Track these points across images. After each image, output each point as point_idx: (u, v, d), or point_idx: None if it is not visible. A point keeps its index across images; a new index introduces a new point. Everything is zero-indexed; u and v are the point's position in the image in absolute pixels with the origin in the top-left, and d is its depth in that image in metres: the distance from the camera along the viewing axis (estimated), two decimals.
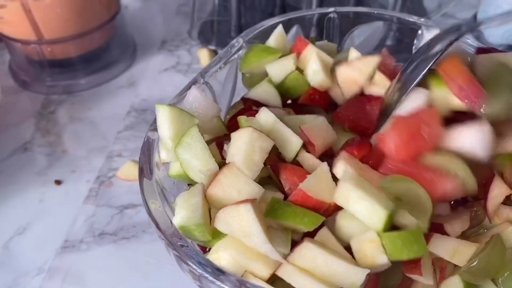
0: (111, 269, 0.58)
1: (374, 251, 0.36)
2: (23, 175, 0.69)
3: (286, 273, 0.36)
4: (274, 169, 0.42)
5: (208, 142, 0.43)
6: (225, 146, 0.42)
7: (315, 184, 0.38)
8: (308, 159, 0.42)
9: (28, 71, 0.83)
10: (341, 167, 0.39)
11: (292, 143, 0.42)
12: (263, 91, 0.52)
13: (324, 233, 0.38)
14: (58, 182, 0.68)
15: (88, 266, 0.58)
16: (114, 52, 0.87)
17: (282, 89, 0.52)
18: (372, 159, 0.42)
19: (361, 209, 0.36)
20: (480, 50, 0.49)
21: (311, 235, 0.39)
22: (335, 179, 0.40)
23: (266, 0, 0.93)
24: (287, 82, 0.52)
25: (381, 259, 0.36)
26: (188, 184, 0.45)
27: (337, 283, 0.35)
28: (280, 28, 0.56)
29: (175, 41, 0.94)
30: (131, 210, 0.64)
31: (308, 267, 0.36)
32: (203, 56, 0.87)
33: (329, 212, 0.38)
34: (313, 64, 0.51)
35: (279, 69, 0.52)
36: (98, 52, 0.85)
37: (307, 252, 0.37)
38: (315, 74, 0.51)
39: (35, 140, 0.75)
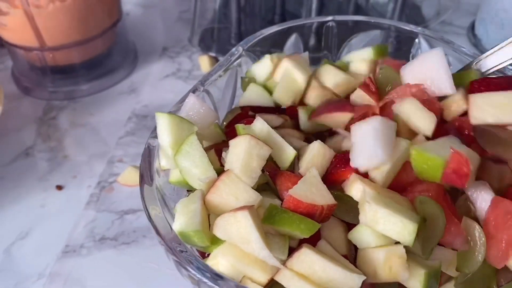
0: (111, 274, 0.59)
1: (400, 267, 0.37)
2: (24, 180, 0.70)
3: (284, 279, 0.37)
4: (272, 175, 0.43)
5: (207, 149, 0.44)
6: (224, 154, 0.43)
7: (305, 189, 0.39)
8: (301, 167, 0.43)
9: (30, 77, 0.84)
10: (359, 188, 0.40)
11: (286, 153, 0.43)
12: (253, 93, 0.53)
13: (322, 243, 0.39)
14: (59, 187, 0.69)
15: (89, 271, 0.59)
16: (116, 58, 0.88)
17: (268, 88, 0.54)
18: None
19: (391, 227, 0.37)
20: None
21: (307, 241, 0.39)
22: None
23: (266, 7, 0.94)
24: (269, 83, 0.54)
25: (404, 276, 0.38)
26: (188, 190, 0.45)
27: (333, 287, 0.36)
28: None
29: (176, 48, 0.95)
30: (132, 215, 0.65)
31: (306, 272, 0.37)
32: (204, 63, 0.88)
33: (323, 216, 0.39)
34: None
35: (261, 68, 0.54)
36: (99, 58, 0.86)
37: (305, 257, 0.37)
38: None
39: (36, 145, 0.75)
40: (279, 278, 0.37)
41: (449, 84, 0.44)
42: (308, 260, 0.37)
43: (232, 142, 0.42)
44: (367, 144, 0.41)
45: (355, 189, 0.40)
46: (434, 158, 0.39)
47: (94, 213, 0.66)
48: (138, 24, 1.02)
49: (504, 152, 0.42)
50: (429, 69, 0.45)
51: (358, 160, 0.41)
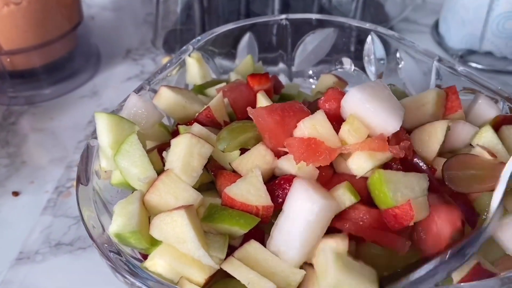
0: (67, 280, 0.57)
1: None
2: None
3: (231, 267, 0.37)
4: (216, 175, 0.42)
5: (151, 149, 0.43)
6: (164, 153, 0.42)
7: (242, 188, 0.38)
8: (243, 166, 0.42)
9: None
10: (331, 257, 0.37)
11: (230, 153, 0.43)
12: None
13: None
14: (15, 194, 0.68)
15: (43, 277, 0.58)
16: (77, 62, 0.87)
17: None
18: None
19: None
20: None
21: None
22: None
23: (230, 9, 0.94)
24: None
25: None
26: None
27: (273, 281, 0.36)
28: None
29: (140, 50, 0.94)
30: None
31: (249, 262, 0.37)
32: None
33: (259, 216, 0.38)
34: None
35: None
36: (61, 62, 0.85)
37: (250, 248, 0.37)
38: None
39: None
40: (225, 266, 0.36)
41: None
42: (252, 251, 0.37)
43: (173, 141, 0.41)
44: None
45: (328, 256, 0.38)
46: (388, 196, 0.38)
47: (50, 219, 0.64)
48: (103, 27, 1.01)
49: (478, 187, 0.42)
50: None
51: None
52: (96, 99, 0.83)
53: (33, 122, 0.79)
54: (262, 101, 0.47)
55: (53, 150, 0.74)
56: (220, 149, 0.42)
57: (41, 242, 0.61)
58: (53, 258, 0.60)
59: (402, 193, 0.38)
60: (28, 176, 0.70)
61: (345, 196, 0.39)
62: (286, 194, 0.39)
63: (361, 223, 0.39)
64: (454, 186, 0.42)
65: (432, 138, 0.43)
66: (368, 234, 0.38)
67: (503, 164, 0.41)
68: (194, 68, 0.54)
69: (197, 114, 0.47)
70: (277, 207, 0.40)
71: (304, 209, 0.36)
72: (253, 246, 0.38)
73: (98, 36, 0.97)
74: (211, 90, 0.53)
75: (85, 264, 0.59)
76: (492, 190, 0.40)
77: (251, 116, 0.42)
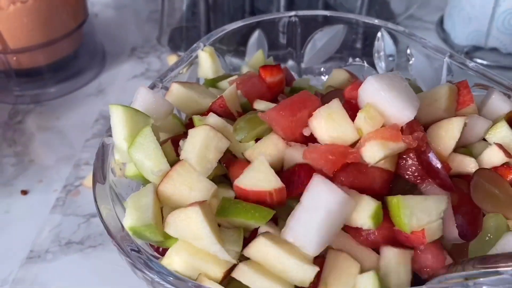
0: (77, 278, 0.57)
1: None
2: None
3: (241, 274, 0.36)
4: (228, 166, 0.42)
5: (165, 141, 0.43)
6: (181, 143, 0.42)
7: (251, 176, 0.38)
8: (255, 155, 0.42)
9: None
10: None
11: (241, 144, 0.43)
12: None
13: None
14: (24, 192, 0.67)
15: (54, 276, 0.58)
16: (83, 60, 0.87)
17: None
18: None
19: None
20: None
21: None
22: None
23: (235, 6, 0.94)
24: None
25: None
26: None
27: (287, 278, 0.36)
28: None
29: (145, 48, 0.94)
30: (98, 218, 0.63)
31: (260, 261, 0.37)
32: (173, 62, 0.87)
33: (275, 202, 0.38)
34: None
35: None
36: (66, 60, 0.85)
37: (260, 245, 0.37)
38: None
39: (1, 150, 0.74)
40: (235, 275, 0.36)
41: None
42: (263, 249, 0.37)
43: (191, 131, 0.41)
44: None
45: None
46: (403, 223, 0.38)
47: (60, 217, 0.64)
48: (107, 25, 1.01)
49: (492, 208, 0.41)
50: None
51: None
52: (102, 97, 0.83)
53: (39, 121, 0.79)
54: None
55: (60, 149, 0.74)
56: (237, 140, 0.42)
57: (50, 241, 0.61)
58: (64, 256, 0.60)
59: (417, 218, 0.38)
60: (36, 175, 0.70)
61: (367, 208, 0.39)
62: (302, 181, 0.39)
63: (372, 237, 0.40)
64: (475, 193, 0.41)
65: (449, 134, 0.43)
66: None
67: None
68: (207, 62, 0.54)
69: (210, 104, 0.46)
70: (293, 194, 0.40)
71: (325, 200, 0.36)
72: (263, 242, 0.37)
73: (102, 34, 0.97)
74: (223, 84, 0.53)
75: (96, 262, 0.59)
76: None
77: (263, 120, 0.43)
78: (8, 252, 0.60)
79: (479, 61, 0.87)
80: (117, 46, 0.94)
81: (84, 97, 0.83)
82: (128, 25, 1.02)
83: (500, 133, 0.45)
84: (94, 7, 1.05)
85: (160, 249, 0.41)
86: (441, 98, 0.47)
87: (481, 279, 0.33)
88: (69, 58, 0.85)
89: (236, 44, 0.66)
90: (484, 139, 0.46)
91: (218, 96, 0.46)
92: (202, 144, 0.40)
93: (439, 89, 0.48)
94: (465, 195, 0.42)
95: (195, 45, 0.55)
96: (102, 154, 0.42)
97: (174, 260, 0.37)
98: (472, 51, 0.89)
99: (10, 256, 0.59)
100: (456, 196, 0.41)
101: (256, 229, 0.39)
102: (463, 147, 0.46)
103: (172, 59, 0.87)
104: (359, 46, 0.64)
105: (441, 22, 0.97)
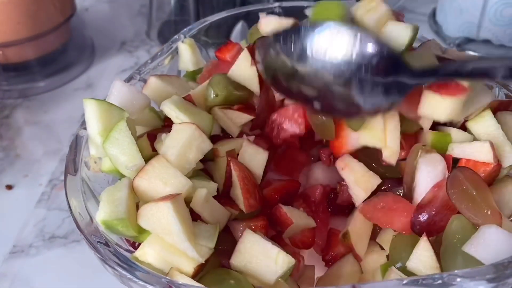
0: (61, 273, 0.57)
1: None
2: None
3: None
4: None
5: (141, 135, 0.43)
6: (163, 136, 0.41)
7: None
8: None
9: None
10: None
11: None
12: None
13: None
14: (9, 187, 0.67)
15: (37, 271, 0.57)
16: (71, 54, 0.87)
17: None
18: None
19: None
20: None
21: None
22: None
23: None
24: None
25: None
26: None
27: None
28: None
29: (134, 42, 0.93)
30: None
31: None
32: None
33: None
34: None
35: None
36: (54, 54, 0.84)
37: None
38: None
39: None
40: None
41: None
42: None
43: (176, 127, 0.41)
44: None
45: None
46: None
47: (44, 212, 0.64)
48: (97, 19, 1.00)
49: (464, 208, 0.39)
50: None
51: None
52: (90, 91, 0.83)
53: (27, 115, 0.78)
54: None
55: (47, 143, 0.74)
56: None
57: (35, 236, 0.61)
58: (47, 251, 0.59)
59: None
60: (22, 170, 0.70)
61: None
62: None
63: None
64: (451, 188, 0.40)
65: None
66: None
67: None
68: (187, 54, 0.54)
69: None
70: None
71: None
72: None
73: (92, 28, 0.96)
74: None
75: (79, 257, 0.59)
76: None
77: None
78: None
79: (471, 53, 0.86)
80: (106, 40, 0.94)
81: (73, 91, 0.83)
82: (119, 19, 1.01)
83: (486, 121, 0.44)
84: (85, 1, 1.04)
85: (136, 244, 0.41)
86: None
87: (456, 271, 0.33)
88: (57, 52, 0.84)
89: (222, 37, 0.66)
90: (464, 125, 0.45)
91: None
92: (185, 141, 0.40)
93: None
94: None
95: (175, 36, 0.54)
96: (75, 147, 0.42)
97: (147, 253, 0.36)
98: (464, 43, 0.88)
99: None
100: None
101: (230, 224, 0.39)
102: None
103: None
104: None
105: (433, 14, 0.96)
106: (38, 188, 0.67)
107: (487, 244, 0.36)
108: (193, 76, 0.54)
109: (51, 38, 0.81)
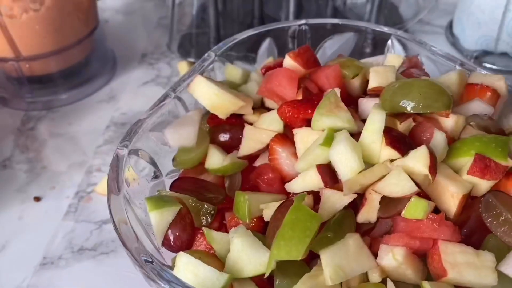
0: (90, 285, 0.58)
1: None
2: (2, 192, 0.69)
3: None
4: None
5: None
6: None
7: None
8: None
9: (7, 88, 0.83)
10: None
11: None
12: None
13: None
14: (37, 199, 0.68)
15: (67, 283, 0.58)
16: (94, 66, 0.88)
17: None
18: None
19: None
20: None
21: None
22: None
23: (244, 11, 0.94)
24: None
25: None
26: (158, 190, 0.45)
27: None
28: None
29: (155, 54, 0.94)
30: (110, 225, 0.64)
31: None
32: (183, 68, 0.88)
33: None
34: None
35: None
36: (77, 67, 0.86)
37: None
38: None
39: (14, 157, 0.75)
40: None
41: None
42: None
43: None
44: None
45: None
46: None
47: (72, 224, 0.65)
48: (117, 31, 1.02)
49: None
50: None
51: None
52: (113, 103, 0.84)
53: (51, 127, 0.80)
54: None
55: (72, 155, 0.75)
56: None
57: (63, 248, 0.62)
58: (76, 263, 0.60)
59: None
60: (48, 182, 0.71)
61: None
62: None
63: None
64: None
65: None
66: None
67: None
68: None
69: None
70: None
71: None
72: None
73: (113, 40, 0.97)
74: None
75: (108, 269, 0.60)
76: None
77: None
78: (21, 258, 0.61)
79: (489, 65, 0.87)
80: (127, 52, 0.95)
81: (95, 103, 0.84)
82: (138, 31, 1.03)
83: None
84: (105, 13, 1.06)
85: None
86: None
87: None
88: (80, 64, 0.85)
89: (245, 51, 0.67)
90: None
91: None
92: None
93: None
94: None
95: (206, 55, 0.55)
96: (117, 166, 0.43)
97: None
98: (482, 55, 0.89)
99: (23, 263, 0.60)
100: None
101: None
102: None
103: (182, 65, 0.88)
104: (368, 53, 0.64)
105: (450, 26, 0.97)
106: (65, 200, 0.68)
107: None
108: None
109: (75, 51, 0.83)
